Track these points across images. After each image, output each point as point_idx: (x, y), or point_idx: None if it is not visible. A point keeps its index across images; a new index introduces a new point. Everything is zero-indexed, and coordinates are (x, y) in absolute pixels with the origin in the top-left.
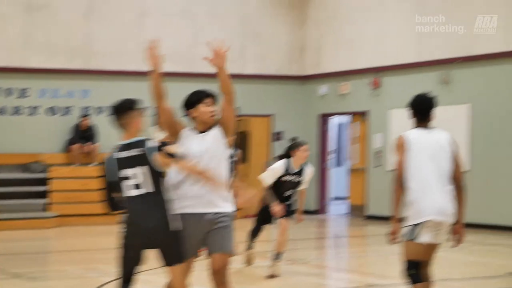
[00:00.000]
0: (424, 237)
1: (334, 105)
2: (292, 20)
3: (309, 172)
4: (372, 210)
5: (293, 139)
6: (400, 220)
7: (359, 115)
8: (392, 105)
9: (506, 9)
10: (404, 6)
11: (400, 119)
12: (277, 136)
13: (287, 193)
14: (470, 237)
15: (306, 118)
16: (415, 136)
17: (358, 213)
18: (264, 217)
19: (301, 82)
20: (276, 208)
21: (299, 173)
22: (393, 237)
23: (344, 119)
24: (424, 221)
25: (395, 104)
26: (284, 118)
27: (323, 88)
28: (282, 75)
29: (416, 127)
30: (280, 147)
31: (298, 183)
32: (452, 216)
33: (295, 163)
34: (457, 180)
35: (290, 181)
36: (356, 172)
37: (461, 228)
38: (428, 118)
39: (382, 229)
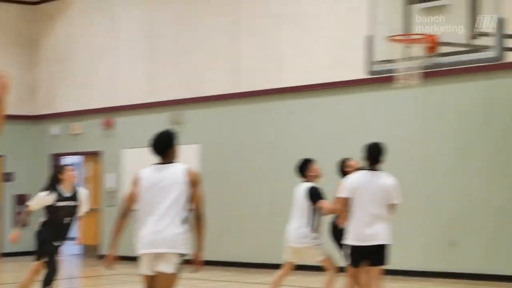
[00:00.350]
0: (142, 269)
1: (66, 145)
2: (22, 60)
3: (84, 193)
4: (107, 250)
5: (58, 166)
6: (115, 248)
7: (92, 155)
8: (124, 145)
9: (233, 57)
10: (136, 47)
11: (133, 158)
12: (7, 177)
13: (66, 220)
14: (200, 273)
15: (37, 158)
16: (147, 173)
17: (92, 253)
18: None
19: (32, 122)
20: (13, 236)
21: (74, 197)
22: (106, 264)
23: (78, 159)
24: (142, 254)
25: (127, 144)
26: (15, 158)
27: (55, 128)
28: (12, 115)
29: (156, 163)
30: (11, 188)
31: (75, 208)
32: (180, 246)
33: (65, 186)
34: (196, 210)
35: (66, 206)
36: (90, 212)
37: (198, 256)
38: (165, 154)
39: (117, 268)
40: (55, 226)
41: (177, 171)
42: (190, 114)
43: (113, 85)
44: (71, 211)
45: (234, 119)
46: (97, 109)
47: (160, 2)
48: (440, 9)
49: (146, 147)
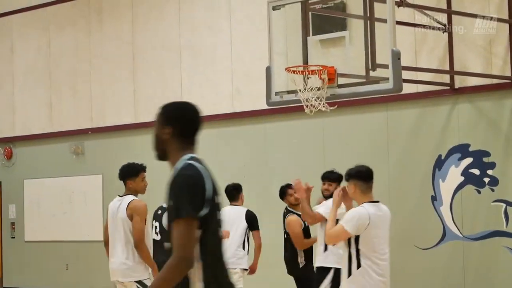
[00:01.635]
0: None
1: None
2: None
3: None
4: (9, 282)
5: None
6: None
7: None
8: (25, 175)
9: (132, 88)
10: (34, 76)
11: (34, 189)
12: None
13: None
14: None
15: None
16: (110, 205)
17: None
18: None
19: None
20: None
21: None
22: None
23: None
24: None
25: (29, 175)
26: None
27: None
28: None
29: (119, 195)
30: None
31: None
32: (132, 275)
33: None
34: (134, 240)
35: None
36: None
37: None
38: (125, 184)
39: None
40: None
41: (124, 204)
42: (91, 145)
43: (11, 114)
44: None
45: (135, 150)
46: None
47: (58, 30)
48: (338, 41)
49: (47, 177)
